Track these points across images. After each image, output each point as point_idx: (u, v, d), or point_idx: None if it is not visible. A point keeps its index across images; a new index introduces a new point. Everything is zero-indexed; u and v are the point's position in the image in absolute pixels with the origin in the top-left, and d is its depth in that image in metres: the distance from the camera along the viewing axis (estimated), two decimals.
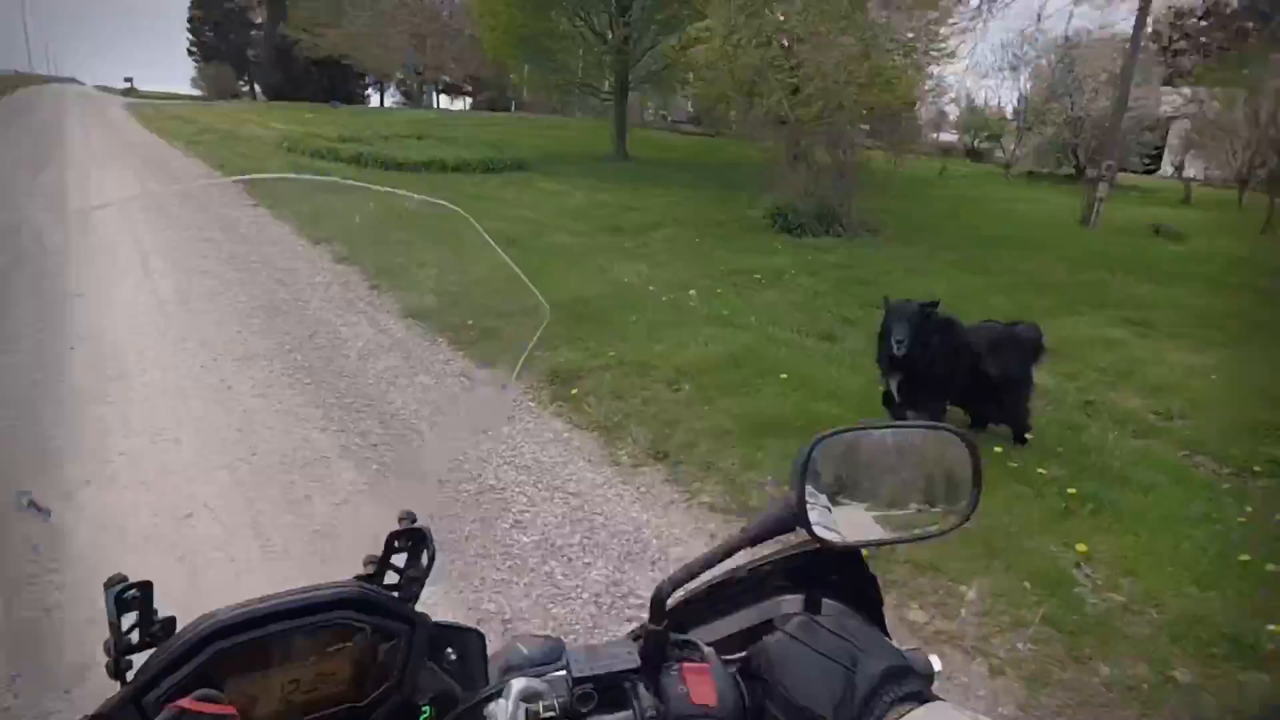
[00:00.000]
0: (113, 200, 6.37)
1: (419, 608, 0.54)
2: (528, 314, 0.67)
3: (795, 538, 0.58)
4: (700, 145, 20.47)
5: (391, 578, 0.55)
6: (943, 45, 10.07)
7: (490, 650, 0.58)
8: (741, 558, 0.60)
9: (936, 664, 0.55)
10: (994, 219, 11.31)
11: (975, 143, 26.26)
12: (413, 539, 0.55)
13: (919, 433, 0.66)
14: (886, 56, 9.04)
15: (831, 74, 8.22)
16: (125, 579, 0.46)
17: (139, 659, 0.46)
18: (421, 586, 0.55)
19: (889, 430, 0.65)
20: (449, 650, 0.57)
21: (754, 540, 0.56)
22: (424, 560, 0.55)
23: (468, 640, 0.58)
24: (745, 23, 8.69)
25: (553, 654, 0.54)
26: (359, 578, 0.54)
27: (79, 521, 0.54)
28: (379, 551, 0.54)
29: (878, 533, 0.61)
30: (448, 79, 32.82)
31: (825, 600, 0.63)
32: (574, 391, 3.61)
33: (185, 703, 0.40)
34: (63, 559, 0.54)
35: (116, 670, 0.46)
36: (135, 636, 0.46)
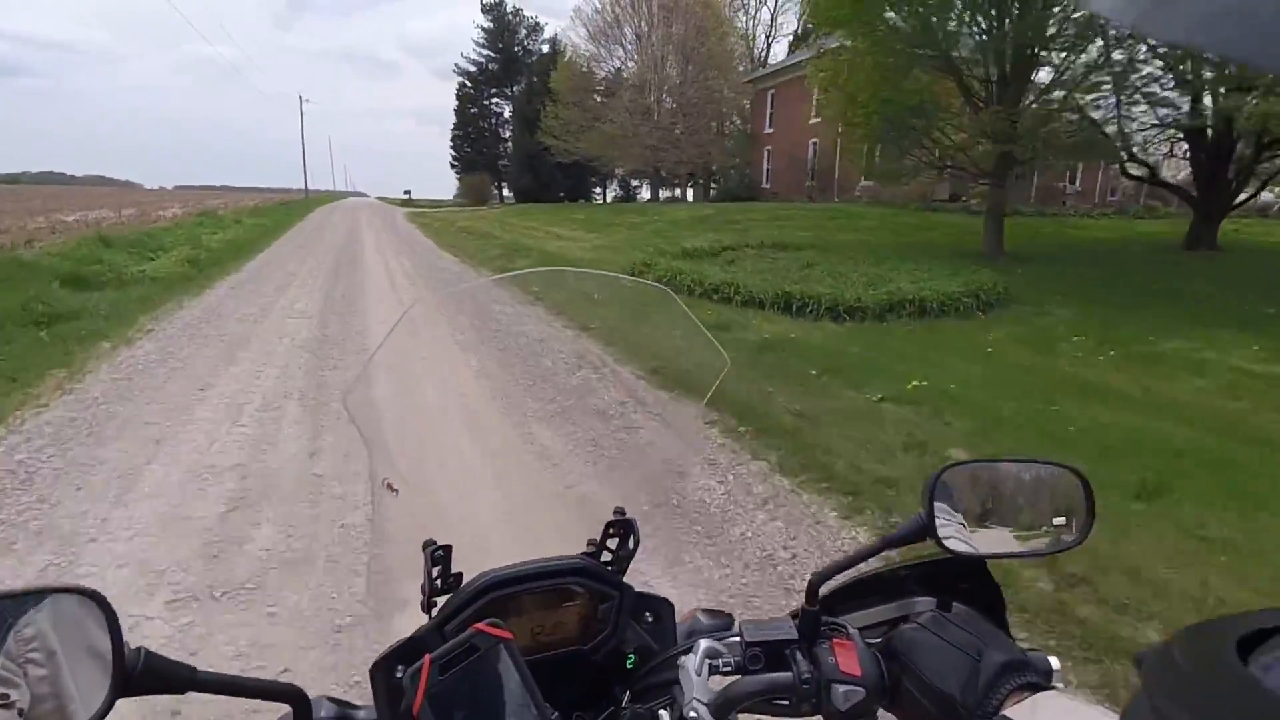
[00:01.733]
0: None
1: (625, 580, 0.70)
2: (713, 364, 0.81)
3: (929, 548, 0.67)
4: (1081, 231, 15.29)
5: (605, 557, 0.71)
6: None
7: (677, 618, 0.74)
8: (878, 562, 0.71)
9: (1055, 663, 0.61)
10: None
11: None
12: (624, 527, 0.71)
13: (1036, 466, 0.73)
14: None
15: None
16: (435, 543, 0.65)
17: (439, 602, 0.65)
18: (628, 564, 0.71)
19: (1010, 463, 0.74)
20: (647, 614, 0.72)
21: (891, 545, 0.66)
22: (630, 544, 0.71)
23: (661, 608, 0.73)
24: None
25: (727, 624, 0.71)
26: (584, 554, 0.71)
27: (411, 501, 0.76)
28: (598, 536, 0.71)
29: (999, 547, 0.69)
30: (684, 170, 35.00)
31: (955, 604, 0.71)
32: None
33: (481, 625, 0.55)
34: (402, 525, 0.76)
35: (427, 607, 0.65)
36: (439, 584, 0.65)
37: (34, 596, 0.45)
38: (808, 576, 0.66)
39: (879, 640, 0.67)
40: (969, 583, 0.73)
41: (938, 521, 0.66)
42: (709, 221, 17.29)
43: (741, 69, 34.60)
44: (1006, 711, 0.57)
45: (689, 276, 9.18)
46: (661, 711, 0.63)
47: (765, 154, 29.65)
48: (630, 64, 35.21)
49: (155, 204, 29.11)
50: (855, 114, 11.79)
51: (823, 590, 0.66)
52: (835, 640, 0.64)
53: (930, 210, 19.05)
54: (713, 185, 34.17)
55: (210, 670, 0.48)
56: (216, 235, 15.67)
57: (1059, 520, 0.71)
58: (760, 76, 30.49)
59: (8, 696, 0.42)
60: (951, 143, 11.99)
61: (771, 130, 29.08)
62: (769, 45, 39.06)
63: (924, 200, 20.05)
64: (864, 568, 0.70)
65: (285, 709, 0.54)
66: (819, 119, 20.55)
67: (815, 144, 25.21)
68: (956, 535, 0.67)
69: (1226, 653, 0.28)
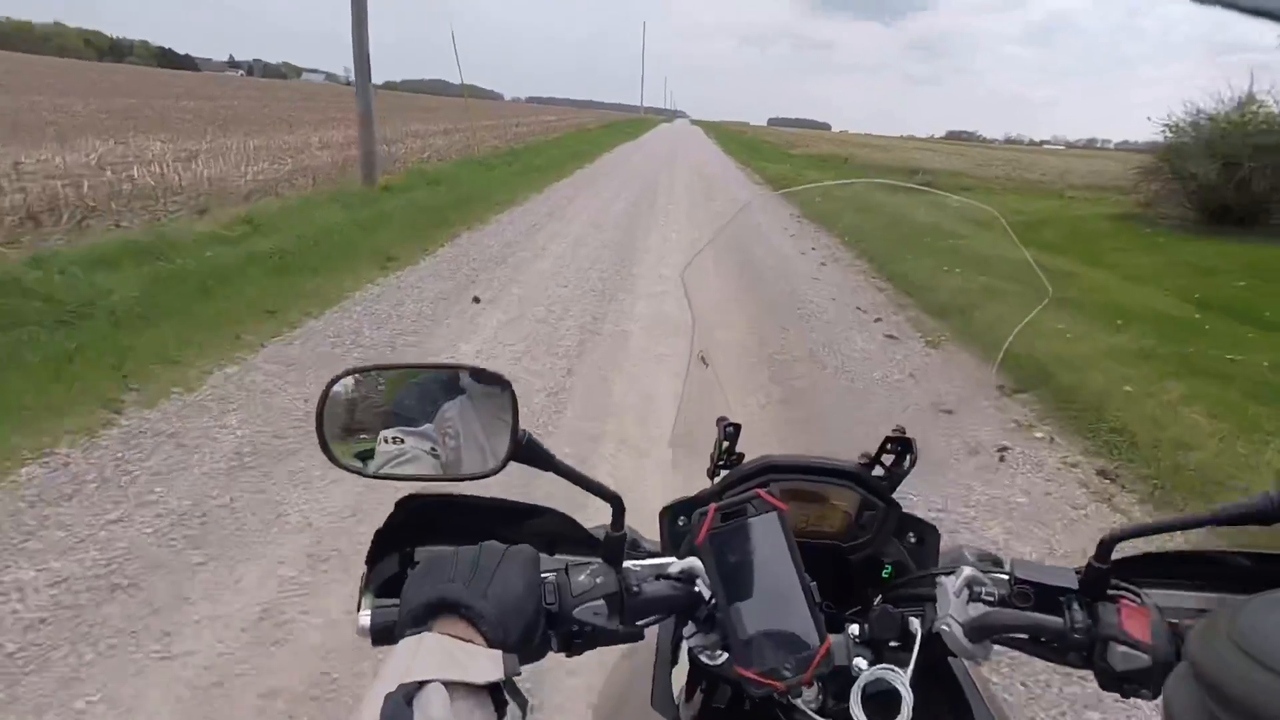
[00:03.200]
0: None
1: (895, 497, 0.72)
2: (1033, 293, 0.76)
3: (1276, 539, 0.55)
4: None
5: (878, 472, 0.73)
6: None
7: (942, 548, 0.73)
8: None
9: None
10: None
11: None
12: (902, 445, 0.71)
13: None
14: None
15: None
16: (728, 419, 0.71)
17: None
18: (899, 481, 0.72)
19: None
20: (910, 535, 0.74)
21: (1221, 521, 0.54)
22: (906, 463, 0.71)
23: (926, 531, 0.74)
24: None
25: (996, 562, 0.66)
26: (860, 463, 0.73)
27: (718, 376, 0.87)
28: (874, 450, 0.72)
29: None
30: None
31: None
32: None
33: (760, 492, 0.60)
34: (711, 398, 0.85)
35: (713, 473, 0.73)
36: (726, 458, 0.72)
37: (471, 372, 0.61)
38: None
39: (1180, 622, 0.58)
40: None
41: None
42: None
43: None
44: None
45: None
46: (912, 619, 0.63)
47: None
48: None
49: (526, 114, 45.16)
50: None
51: (1118, 553, 0.59)
52: (1124, 602, 0.58)
53: None
54: None
55: (565, 462, 0.58)
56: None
57: None
58: None
59: (435, 450, 0.60)
60: None
61: None
62: None
63: None
64: (1180, 541, 0.64)
65: (607, 508, 0.61)
66: None
67: None
68: None
69: (1272, 626, 0.29)
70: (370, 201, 8.58)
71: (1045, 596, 0.59)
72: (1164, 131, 12.34)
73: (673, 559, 0.62)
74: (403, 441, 0.59)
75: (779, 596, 0.57)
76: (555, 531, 0.66)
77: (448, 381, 0.62)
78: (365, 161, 9.64)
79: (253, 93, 44.47)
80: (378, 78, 11.29)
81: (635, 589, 0.59)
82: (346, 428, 0.61)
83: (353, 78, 10.09)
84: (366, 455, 0.60)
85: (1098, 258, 9.27)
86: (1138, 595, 0.58)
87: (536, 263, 6.95)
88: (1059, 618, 0.58)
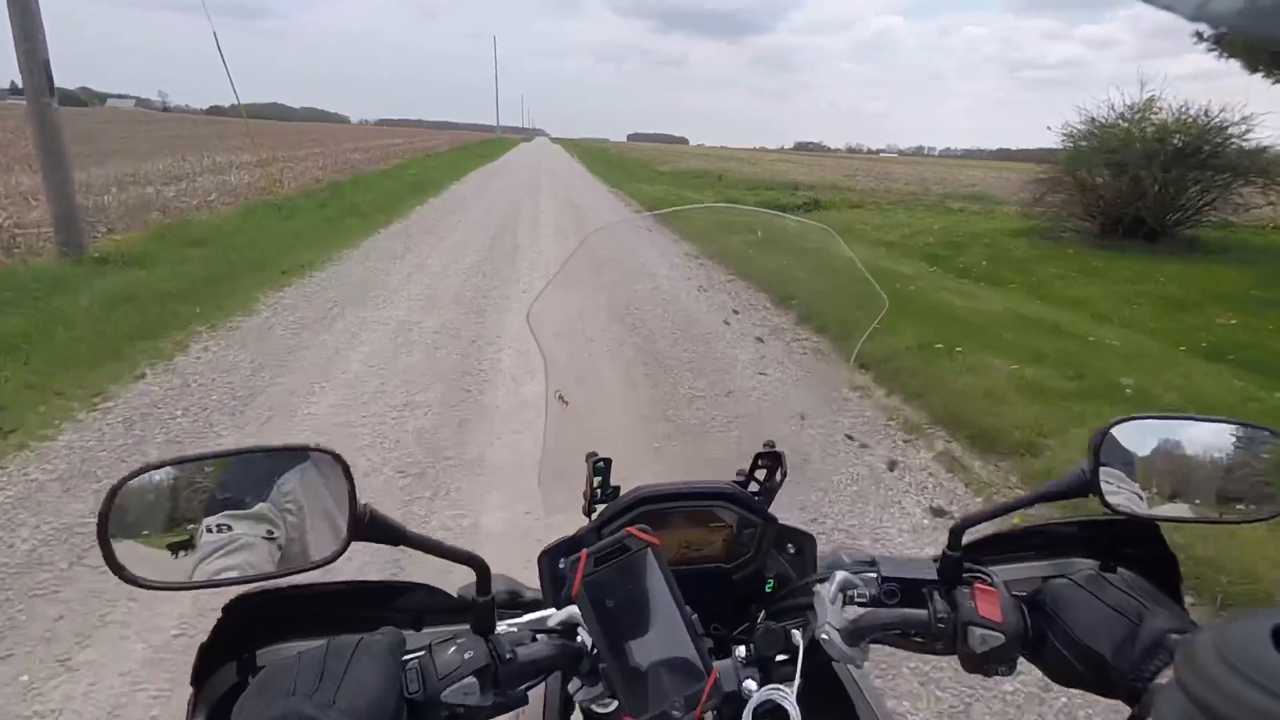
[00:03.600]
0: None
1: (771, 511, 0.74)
2: (870, 305, 0.82)
3: (1093, 507, 0.62)
4: None
5: (753, 487, 0.76)
6: None
7: (819, 554, 0.76)
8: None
9: None
10: None
11: None
12: (772, 460, 0.75)
13: (1225, 425, 0.65)
14: None
15: None
16: (597, 454, 0.73)
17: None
18: (773, 496, 0.75)
19: (1195, 421, 0.65)
20: (790, 546, 0.75)
21: (1047, 498, 0.62)
22: (778, 477, 0.75)
23: (803, 540, 0.76)
24: None
25: (868, 562, 0.68)
26: (734, 482, 0.75)
27: (578, 413, 0.84)
28: (747, 467, 0.76)
29: (1176, 511, 0.62)
30: None
31: (1121, 569, 0.65)
32: None
33: (633, 529, 0.58)
34: (572, 434, 0.80)
35: (588, 511, 0.73)
36: (599, 493, 0.73)
37: (297, 453, 0.54)
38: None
39: (1026, 594, 0.64)
40: (1138, 548, 0.68)
41: (1103, 479, 0.61)
42: None
43: None
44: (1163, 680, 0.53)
45: None
46: (794, 631, 0.64)
47: None
48: None
49: (370, 138, 40.45)
50: None
51: (968, 538, 0.66)
52: (978, 585, 0.63)
53: None
54: None
55: (417, 532, 0.55)
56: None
57: (1252, 485, 0.62)
58: None
59: (272, 532, 0.52)
60: None
61: None
62: None
63: None
64: (1017, 521, 0.71)
65: (471, 573, 0.59)
66: None
67: None
68: (1125, 495, 0.62)
69: (1259, 643, 0.29)
70: (55, 287, 5.45)
71: (910, 591, 0.65)
72: (1065, 140, 11.60)
73: (551, 610, 0.63)
74: (230, 529, 0.51)
75: (662, 634, 0.56)
76: (420, 605, 0.64)
77: (284, 457, 0.54)
78: (61, 223, 6.38)
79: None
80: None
81: (509, 655, 0.57)
82: (154, 526, 0.50)
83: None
84: (183, 547, 0.50)
85: (1043, 288, 7.94)
86: (988, 576, 0.64)
87: (319, 398, 3.96)
88: (923, 610, 0.63)
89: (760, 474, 0.75)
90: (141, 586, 0.48)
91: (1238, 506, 0.63)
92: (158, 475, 0.50)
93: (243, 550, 0.50)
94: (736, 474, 0.76)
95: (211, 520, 0.50)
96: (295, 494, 0.53)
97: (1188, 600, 2.27)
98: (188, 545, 0.49)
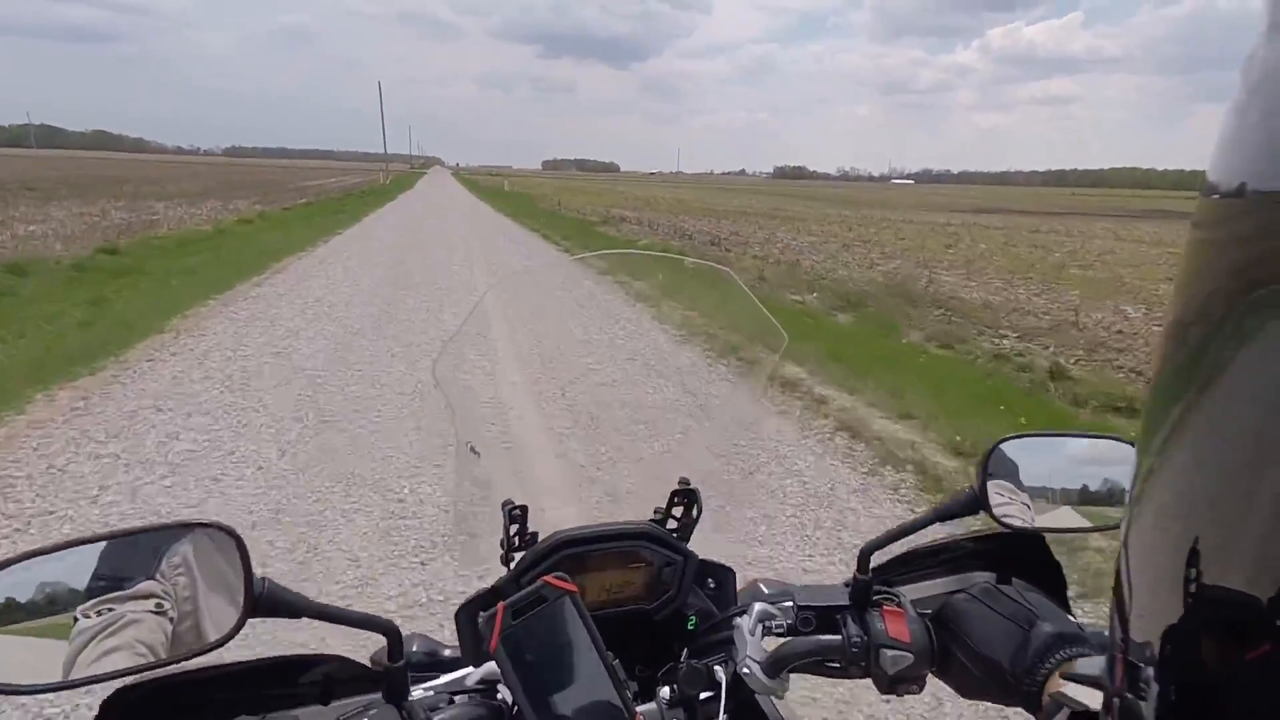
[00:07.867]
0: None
1: (689, 547, 0.73)
2: (773, 340, 0.84)
3: (986, 524, 0.66)
4: None
5: (671, 524, 0.75)
6: None
7: (739, 586, 0.77)
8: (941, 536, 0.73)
9: None
10: None
11: None
12: (688, 496, 0.74)
13: (1095, 439, 0.72)
14: None
15: None
16: (513, 502, 0.70)
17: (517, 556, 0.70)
18: (691, 531, 0.75)
19: (1069, 436, 0.76)
20: (709, 580, 0.76)
21: (941, 518, 0.65)
22: (694, 513, 0.75)
23: (723, 574, 0.76)
24: None
25: (784, 592, 0.71)
26: (651, 520, 0.75)
27: (492, 462, 0.82)
28: (664, 504, 0.75)
29: (1058, 522, 0.67)
30: None
31: (1015, 579, 0.69)
32: None
33: (549, 578, 0.58)
34: (481, 485, 0.79)
35: (505, 560, 0.70)
36: (516, 541, 0.70)
37: (183, 529, 0.51)
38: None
39: (931, 611, 0.67)
40: (1027, 558, 0.72)
41: (992, 495, 0.65)
42: None
43: None
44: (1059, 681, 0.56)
45: None
46: (717, 667, 0.66)
47: None
48: None
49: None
50: None
51: (876, 560, 0.68)
52: (886, 608, 0.65)
53: None
54: None
55: (320, 601, 0.52)
56: None
57: (1113, 493, 0.67)
58: None
59: (162, 606, 0.48)
60: None
61: None
62: None
63: None
64: (922, 540, 0.71)
65: (382, 639, 0.56)
66: None
67: None
68: (1012, 509, 0.65)
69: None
70: None
71: (825, 618, 0.67)
72: None
73: (470, 669, 0.64)
74: (113, 609, 0.47)
75: (584, 684, 0.56)
76: (329, 677, 0.61)
77: (169, 535, 0.51)
78: None
79: None
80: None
81: None
82: (22, 623, 0.45)
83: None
84: (60, 640, 0.45)
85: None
86: (895, 597, 0.67)
87: None
88: (838, 635, 0.65)
89: (677, 510, 0.75)
90: (10, 694, 0.44)
91: (1107, 515, 0.66)
92: (20, 568, 0.46)
93: (130, 628, 0.47)
94: (654, 511, 0.76)
95: (88, 606, 0.47)
96: (186, 569, 0.50)
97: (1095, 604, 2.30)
98: (65, 636, 0.45)
